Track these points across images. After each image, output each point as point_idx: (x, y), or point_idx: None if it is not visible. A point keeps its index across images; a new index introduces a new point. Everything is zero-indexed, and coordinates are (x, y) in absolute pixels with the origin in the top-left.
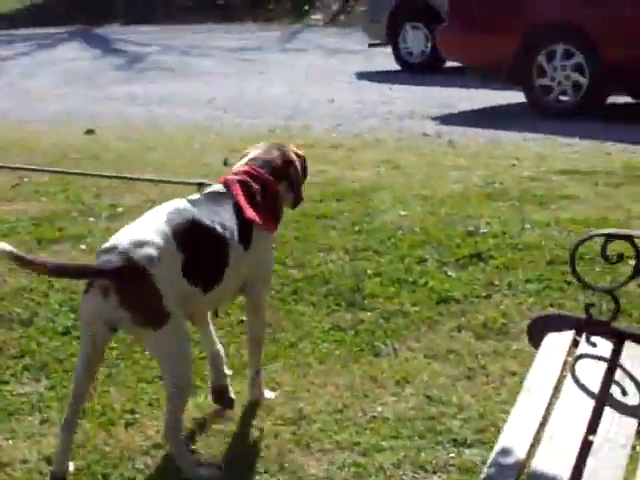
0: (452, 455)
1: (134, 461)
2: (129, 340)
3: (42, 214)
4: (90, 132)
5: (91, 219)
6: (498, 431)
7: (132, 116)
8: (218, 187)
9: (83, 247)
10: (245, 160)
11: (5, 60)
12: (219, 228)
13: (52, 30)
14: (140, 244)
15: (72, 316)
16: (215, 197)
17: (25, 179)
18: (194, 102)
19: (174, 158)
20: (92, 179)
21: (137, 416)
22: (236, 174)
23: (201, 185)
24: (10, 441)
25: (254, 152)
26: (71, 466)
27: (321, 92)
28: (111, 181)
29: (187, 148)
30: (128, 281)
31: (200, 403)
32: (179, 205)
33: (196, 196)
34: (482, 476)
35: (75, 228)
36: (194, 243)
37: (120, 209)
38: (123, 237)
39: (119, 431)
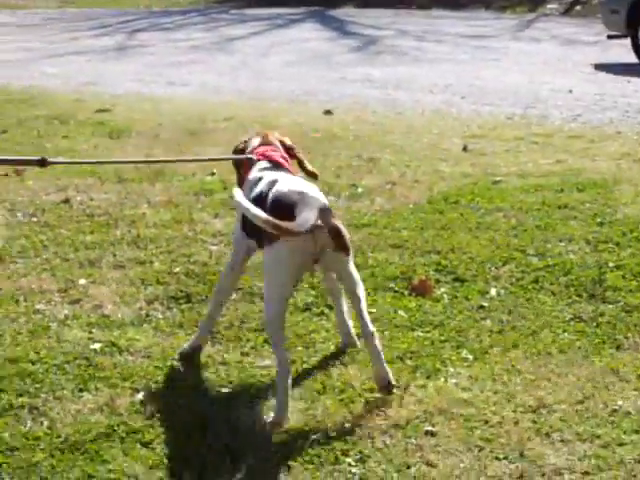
0: None
1: (373, 440)
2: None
3: None
4: (328, 112)
5: (331, 198)
6: None
7: (369, 98)
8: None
9: None
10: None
11: (239, 39)
12: None
13: (285, 10)
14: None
15: (312, 292)
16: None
17: None
18: (430, 87)
19: (412, 142)
20: (333, 158)
21: (377, 395)
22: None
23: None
24: (250, 410)
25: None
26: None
27: (559, 82)
28: (350, 160)
29: (425, 132)
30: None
31: (440, 386)
32: None
33: None
34: None
35: None
36: None
37: (360, 189)
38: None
39: (358, 409)
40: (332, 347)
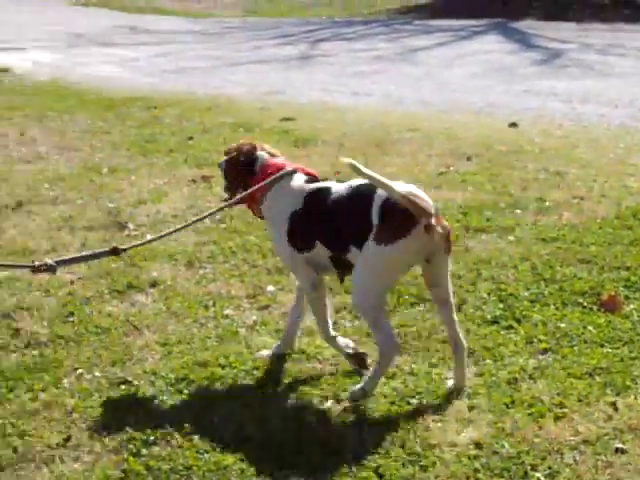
0: None
1: (562, 455)
2: (557, 334)
3: (469, 203)
4: (513, 125)
5: (518, 211)
6: None
7: (554, 111)
8: None
9: (511, 238)
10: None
11: (422, 50)
12: None
13: (467, 22)
14: None
15: (500, 306)
16: None
17: (451, 167)
18: (616, 101)
19: (598, 156)
20: (519, 171)
21: (566, 410)
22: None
23: None
24: (439, 423)
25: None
26: None
27: None
28: (537, 174)
29: (611, 147)
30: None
31: (631, 403)
32: None
33: None
34: None
35: (502, 219)
36: None
37: (547, 203)
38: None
39: (548, 424)
40: (521, 360)
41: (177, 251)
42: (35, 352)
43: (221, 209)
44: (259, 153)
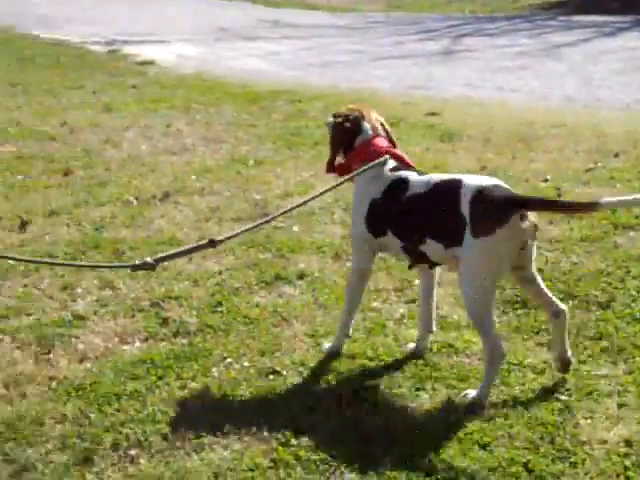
0: None
1: None
2: None
3: None
4: None
5: None
6: None
7: None
8: None
9: None
10: None
11: (566, 46)
12: None
13: (611, 18)
14: None
15: None
16: None
17: (599, 163)
18: None
19: None
20: None
21: None
22: None
23: None
24: (589, 420)
25: None
26: None
27: None
28: None
29: None
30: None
31: None
32: None
33: None
34: None
35: None
36: None
37: None
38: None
39: None
40: None
41: (324, 243)
42: (184, 341)
43: (327, 191)
44: (364, 126)
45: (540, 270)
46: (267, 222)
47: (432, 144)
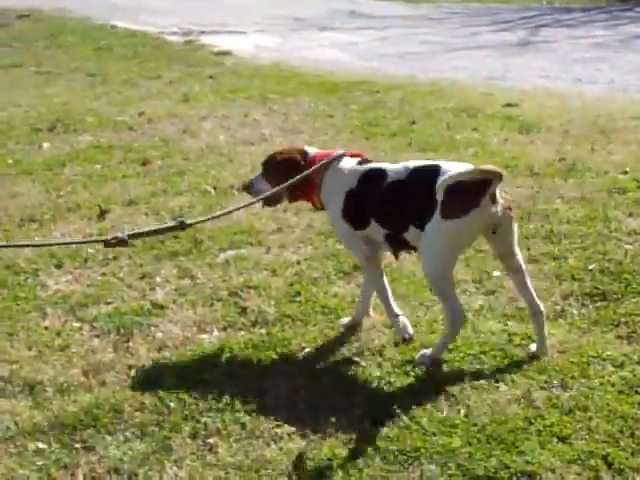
0: None
1: None
2: None
3: None
4: None
5: None
6: None
7: None
8: None
9: None
10: None
11: None
12: None
13: None
14: None
15: None
16: None
17: None
18: None
19: None
20: None
21: None
22: None
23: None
24: None
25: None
26: None
27: None
28: None
29: None
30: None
31: None
32: None
33: None
34: None
35: None
36: None
37: None
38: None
39: None
40: None
41: None
42: (262, 330)
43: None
44: (307, 149)
45: (619, 263)
46: (237, 209)
47: (510, 135)
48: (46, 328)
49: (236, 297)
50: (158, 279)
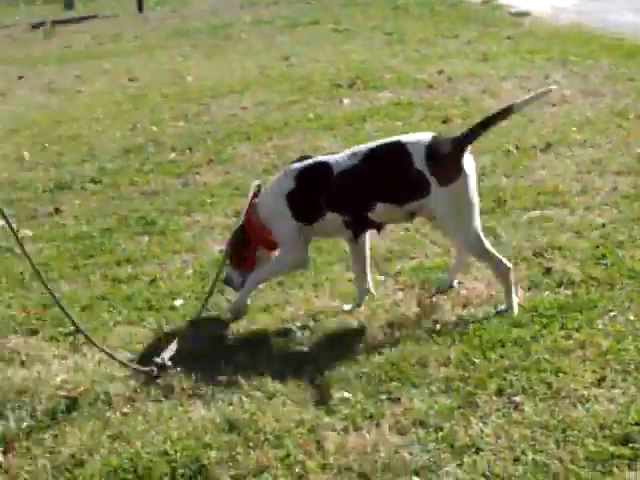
0: None
1: None
2: None
3: None
4: None
5: None
6: None
7: None
8: None
9: None
10: None
11: None
12: None
13: None
14: None
15: None
16: None
17: None
18: None
19: None
20: None
21: None
22: None
23: None
24: None
25: None
26: None
27: None
28: None
29: None
30: None
31: None
32: None
33: None
34: None
35: None
36: None
37: None
38: None
39: None
40: None
41: None
42: (567, 292)
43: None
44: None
45: None
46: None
47: None
48: (349, 280)
49: (540, 257)
50: None
